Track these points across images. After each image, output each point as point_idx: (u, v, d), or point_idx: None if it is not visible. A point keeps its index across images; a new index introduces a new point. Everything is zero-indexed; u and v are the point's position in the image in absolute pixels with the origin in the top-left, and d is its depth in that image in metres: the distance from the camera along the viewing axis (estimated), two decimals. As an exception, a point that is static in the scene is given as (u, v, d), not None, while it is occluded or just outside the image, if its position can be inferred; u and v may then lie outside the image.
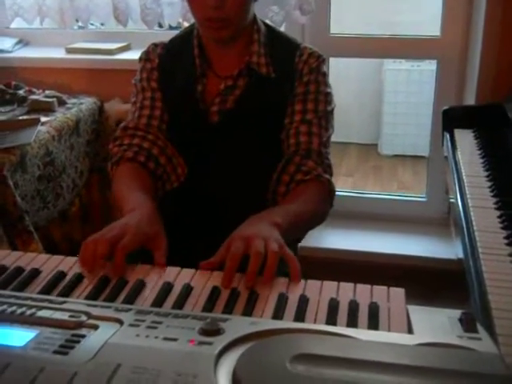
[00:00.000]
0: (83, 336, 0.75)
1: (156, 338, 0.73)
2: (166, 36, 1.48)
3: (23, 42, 2.70)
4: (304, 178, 1.32)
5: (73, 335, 0.75)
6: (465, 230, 1.33)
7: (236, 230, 1.08)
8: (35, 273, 0.97)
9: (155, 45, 1.44)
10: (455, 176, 1.64)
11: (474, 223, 1.32)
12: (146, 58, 1.43)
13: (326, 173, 1.35)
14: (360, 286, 0.93)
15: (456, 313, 0.84)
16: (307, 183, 1.32)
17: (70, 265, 1.00)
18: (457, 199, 1.49)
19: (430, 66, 3.82)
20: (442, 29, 2.35)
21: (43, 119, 2.07)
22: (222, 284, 0.94)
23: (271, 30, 1.42)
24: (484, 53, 2.11)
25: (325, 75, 1.40)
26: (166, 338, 0.73)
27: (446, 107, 2.04)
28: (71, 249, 2.17)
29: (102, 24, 2.88)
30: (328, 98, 1.39)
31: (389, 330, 0.82)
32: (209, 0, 1.22)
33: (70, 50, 2.56)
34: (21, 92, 2.31)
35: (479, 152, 1.76)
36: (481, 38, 2.11)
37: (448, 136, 1.94)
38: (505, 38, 2.07)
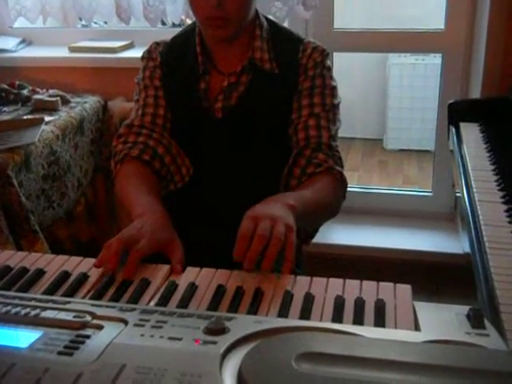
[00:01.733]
0: (88, 336, 0.74)
1: (161, 337, 0.73)
2: (169, 33, 1.47)
3: (26, 42, 2.69)
4: (315, 171, 1.31)
5: (77, 336, 0.75)
6: (471, 224, 1.32)
7: (249, 209, 1.07)
8: (40, 273, 0.97)
9: (157, 43, 1.43)
10: (461, 170, 1.63)
11: (480, 217, 1.31)
12: (148, 56, 1.43)
13: (338, 165, 1.34)
14: (366, 283, 0.92)
15: (463, 309, 0.83)
16: (319, 175, 1.31)
17: (74, 265, 1.00)
18: (463, 193, 1.48)
19: (434, 60, 3.80)
20: (446, 22, 2.34)
21: (47, 118, 2.06)
22: (234, 259, 0.95)
23: (274, 26, 1.41)
24: (489, 45, 2.10)
25: (330, 69, 1.40)
26: (170, 338, 0.73)
27: (451, 101, 2.02)
28: (77, 248, 2.17)
29: (106, 22, 2.88)
30: (334, 91, 1.39)
31: (395, 328, 0.81)
32: None
33: (73, 49, 2.56)
34: (24, 92, 2.31)
35: (485, 146, 1.74)
36: (485, 31, 2.09)
37: (454, 130, 1.93)
38: (510, 31, 2.06)
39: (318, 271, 1.26)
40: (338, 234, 2.45)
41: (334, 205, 1.34)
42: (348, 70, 4.05)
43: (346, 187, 1.37)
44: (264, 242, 0.96)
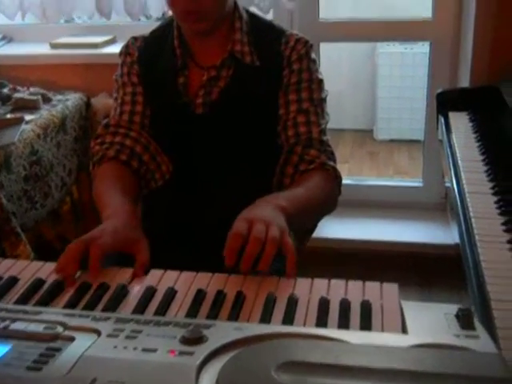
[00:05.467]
0: (58, 349, 0.71)
1: (135, 349, 0.69)
2: (152, 27, 1.43)
3: (6, 39, 2.64)
4: (309, 168, 1.28)
5: (47, 349, 0.71)
6: (461, 216, 1.30)
7: (241, 212, 1.05)
8: (12, 281, 0.93)
9: (135, 38, 1.39)
10: (450, 160, 1.60)
11: (470, 209, 1.28)
12: (125, 52, 1.39)
13: (330, 160, 1.31)
14: (352, 283, 0.89)
15: (452, 308, 0.80)
16: (312, 172, 1.28)
17: (49, 271, 0.96)
18: (452, 185, 1.46)
19: (423, 49, 3.76)
20: (433, 10, 2.31)
21: (28, 117, 2.02)
22: (226, 263, 0.93)
23: (254, 18, 1.37)
24: (477, 34, 2.07)
25: (315, 62, 1.36)
26: (145, 349, 0.69)
27: (439, 90, 2.00)
28: (65, 248, 2.13)
29: (90, 18, 2.82)
30: (321, 85, 1.36)
31: (382, 330, 0.78)
32: None
33: (54, 45, 2.51)
34: (5, 90, 2.26)
35: (475, 135, 1.71)
36: (473, 19, 2.06)
37: (442, 119, 1.90)
38: (498, 19, 2.03)
39: (307, 266, 1.23)
40: (328, 227, 2.41)
41: (328, 201, 1.31)
42: (336, 60, 4.01)
43: (341, 182, 1.34)
44: (261, 244, 0.95)
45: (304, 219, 1.25)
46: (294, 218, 1.08)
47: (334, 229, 2.43)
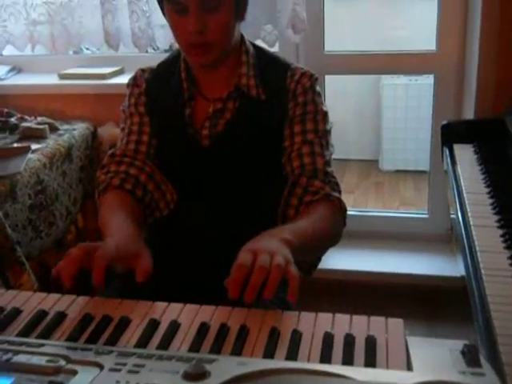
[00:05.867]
0: (61, 383, 0.70)
1: (137, 384, 0.69)
2: (160, 59, 1.45)
3: (16, 69, 2.68)
4: (313, 199, 1.28)
5: (50, 382, 0.71)
6: (467, 249, 1.29)
7: (245, 244, 1.04)
8: (15, 312, 0.93)
9: (142, 70, 1.41)
10: (455, 193, 1.60)
11: (476, 243, 1.28)
12: (133, 83, 1.41)
13: (335, 191, 1.31)
14: (356, 318, 0.88)
15: (458, 344, 0.79)
16: (317, 203, 1.27)
17: (52, 303, 0.96)
18: (458, 217, 1.45)
19: (428, 80, 3.79)
20: (437, 43, 2.32)
21: (34, 147, 2.04)
22: (230, 295, 0.91)
23: (260, 51, 1.39)
24: (481, 66, 2.08)
25: (320, 94, 1.37)
26: (147, 385, 0.68)
27: (444, 122, 2.00)
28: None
29: (98, 49, 2.86)
30: (326, 117, 1.36)
31: (387, 366, 0.77)
32: (190, 26, 1.20)
33: (62, 76, 2.54)
34: (12, 119, 2.28)
35: (480, 167, 1.71)
36: (477, 51, 2.07)
37: (447, 151, 1.90)
38: (502, 51, 2.04)
39: (312, 296, 1.22)
40: (333, 258, 2.40)
41: (333, 233, 1.30)
42: (341, 92, 4.05)
43: (346, 213, 1.33)
44: (265, 273, 0.93)
45: (309, 252, 1.24)
46: (299, 251, 1.07)
47: (338, 260, 2.42)
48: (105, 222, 1.22)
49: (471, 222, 1.37)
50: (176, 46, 1.37)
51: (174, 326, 0.88)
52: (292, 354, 0.80)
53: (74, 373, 0.72)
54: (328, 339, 0.83)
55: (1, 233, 1.73)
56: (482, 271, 1.16)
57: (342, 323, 0.87)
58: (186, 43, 1.25)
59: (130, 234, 1.12)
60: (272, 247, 1.01)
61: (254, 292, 0.92)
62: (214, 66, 1.30)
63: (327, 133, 1.36)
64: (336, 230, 1.31)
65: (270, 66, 1.36)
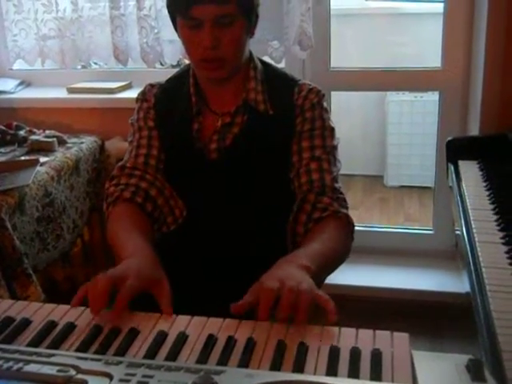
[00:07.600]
0: (71, 393, 0.71)
1: (146, 394, 0.70)
2: (167, 74, 1.47)
3: (25, 83, 2.71)
4: (322, 216, 1.29)
5: (60, 392, 0.72)
6: (472, 266, 1.29)
7: (265, 274, 1.05)
8: (25, 323, 0.94)
9: (151, 85, 1.43)
10: (460, 209, 1.60)
11: (481, 259, 1.28)
12: (142, 98, 1.43)
13: (343, 207, 1.32)
14: (362, 331, 0.89)
15: (463, 359, 0.80)
16: (326, 220, 1.28)
17: (61, 314, 0.97)
18: (463, 233, 1.45)
19: (433, 97, 3.79)
20: (442, 60, 2.34)
21: (42, 159, 2.06)
22: (259, 319, 0.92)
23: (268, 67, 1.41)
24: (486, 82, 2.09)
25: (327, 110, 1.39)
26: (156, 395, 0.69)
27: (449, 138, 2.01)
28: (73, 289, 2.13)
29: (106, 63, 2.90)
30: (333, 133, 1.38)
31: (392, 380, 0.78)
32: (204, 41, 1.22)
33: (71, 90, 2.57)
34: (21, 132, 2.30)
35: (484, 184, 1.72)
36: (482, 68, 2.09)
37: (452, 167, 1.91)
38: (507, 68, 2.06)
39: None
40: (338, 274, 2.38)
41: (343, 252, 1.31)
42: (347, 108, 4.06)
43: (353, 229, 1.34)
44: (294, 297, 0.94)
45: (324, 274, 1.25)
46: (317, 275, 1.08)
47: (343, 275, 2.41)
48: (116, 236, 1.23)
49: (476, 239, 1.37)
50: (183, 62, 1.39)
51: (182, 338, 0.89)
52: (298, 367, 0.81)
53: (84, 383, 0.73)
54: (334, 352, 0.84)
55: (9, 244, 1.75)
56: (487, 287, 1.16)
57: (347, 337, 0.88)
58: (198, 58, 1.27)
59: (148, 256, 1.12)
60: (295, 274, 1.02)
61: (287, 311, 0.92)
62: (224, 81, 1.32)
63: (334, 149, 1.37)
64: (346, 249, 1.32)
65: (277, 81, 1.38)
